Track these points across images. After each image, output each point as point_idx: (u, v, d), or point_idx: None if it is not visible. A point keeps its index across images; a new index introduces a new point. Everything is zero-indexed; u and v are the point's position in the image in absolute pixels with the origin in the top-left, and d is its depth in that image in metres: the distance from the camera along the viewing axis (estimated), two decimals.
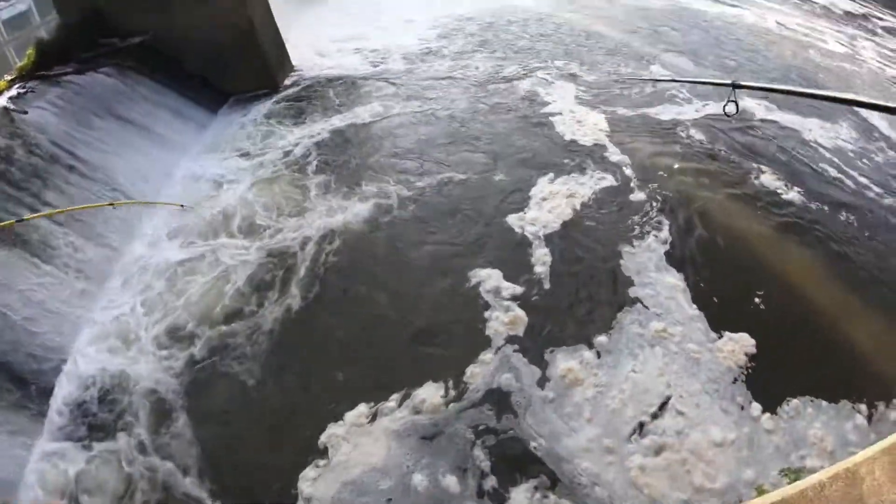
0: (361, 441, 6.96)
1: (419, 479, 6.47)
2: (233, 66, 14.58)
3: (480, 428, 7.09)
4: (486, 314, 8.41)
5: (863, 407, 7.52)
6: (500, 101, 15.34)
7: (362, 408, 7.35)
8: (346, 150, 12.76)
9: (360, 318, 8.58)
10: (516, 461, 6.80)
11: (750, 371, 7.78)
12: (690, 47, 23.24)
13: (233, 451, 7.14)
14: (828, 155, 15.24)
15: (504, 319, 8.26)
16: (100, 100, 11.27)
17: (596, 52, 20.02)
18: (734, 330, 8.34)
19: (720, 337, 8.22)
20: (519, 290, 8.87)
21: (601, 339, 8.11)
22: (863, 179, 14.43)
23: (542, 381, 7.65)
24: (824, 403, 7.44)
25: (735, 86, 11.73)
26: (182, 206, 10.23)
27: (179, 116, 12.66)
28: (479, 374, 7.72)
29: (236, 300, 8.90)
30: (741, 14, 34.33)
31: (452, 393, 7.52)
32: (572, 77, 17.23)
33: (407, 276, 9.17)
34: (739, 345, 8.09)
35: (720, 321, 8.51)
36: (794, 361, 8.16)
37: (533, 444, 6.90)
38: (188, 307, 8.74)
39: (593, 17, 25.90)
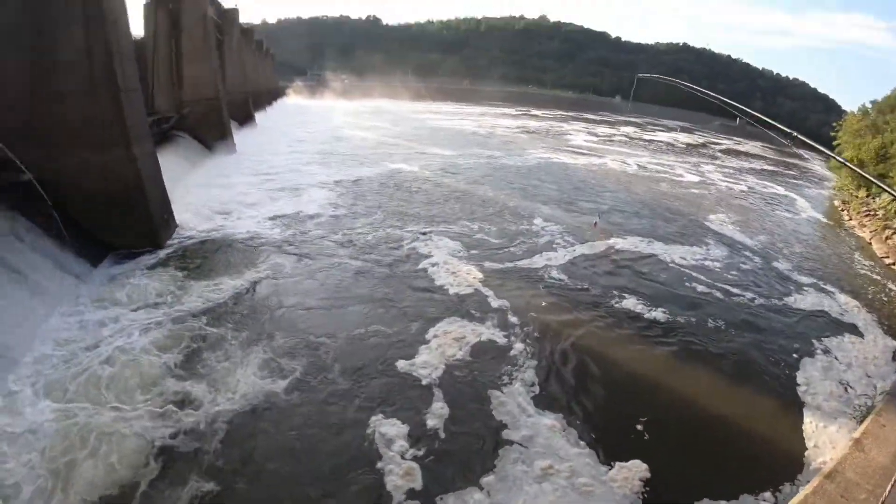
0: None
1: None
2: (117, 219, 14.17)
3: None
4: (385, 468, 7.90)
5: (766, 494, 7.85)
6: (386, 259, 16.04)
7: None
8: (229, 315, 11.89)
9: (259, 488, 7.72)
10: None
11: (648, 495, 7.81)
12: (563, 197, 25.99)
13: None
14: (693, 273, 17.09)
15: (400, 472, 7.83)
16: None
17: (479, 211, 22.05)
18: (624, 458, 8.44)
19: (611, 467, 8.25)
20: (411, 440, 8.46)
21: (488, 479, 7.86)
22: (729, 287, 16.28)
23: None
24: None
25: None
26: None
27: (58, 265, 11.90)
28: None
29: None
30: (603, 162, 39.28)
31: None
32: (458, 235, 18.67)
33: (305, 437, 8.45)
34: (632, 472, 8.17)
35: (608, 452, 8.58)
36: (689, 474, 8.41)
37: None
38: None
39: (473, 181, 28.53)
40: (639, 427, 9.28)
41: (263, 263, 14.83)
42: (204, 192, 21.23)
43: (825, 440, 9.37)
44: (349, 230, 18.29)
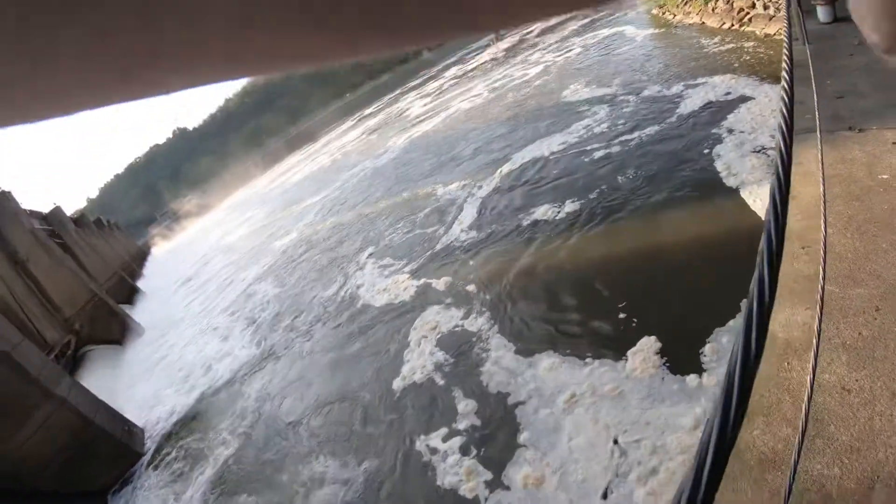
0: None
1: None
2: (87, 463, 13.62)
3: None
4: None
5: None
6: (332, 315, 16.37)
7: None
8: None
9: None
10: None
11: (671, 361, 7.89)
12: (440, 163, 26.60)
13: None
14: (581, 149, 18.07)
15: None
16: None
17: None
18: (632, 344, 8.52)
19: (625, 360, 8.34)
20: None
21: (523, 436, 8.06)
22: (617, 139, 17.17)
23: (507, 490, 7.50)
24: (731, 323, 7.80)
25: None
26: None
27: None
28: None
29: None
30: (451, 112, 39.69)
31: None
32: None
33: None
34: (645, 351, 8.28)
35: (613, 350, 8.68)
36: (694, 313, 8.46)
37: None
38: None
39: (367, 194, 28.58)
40: (622, 313, 9.44)
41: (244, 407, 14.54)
42: (144, 382, 20.64)
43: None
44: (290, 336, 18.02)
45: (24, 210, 30.87)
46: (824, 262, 3.50)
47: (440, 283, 14.36)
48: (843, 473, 3.31)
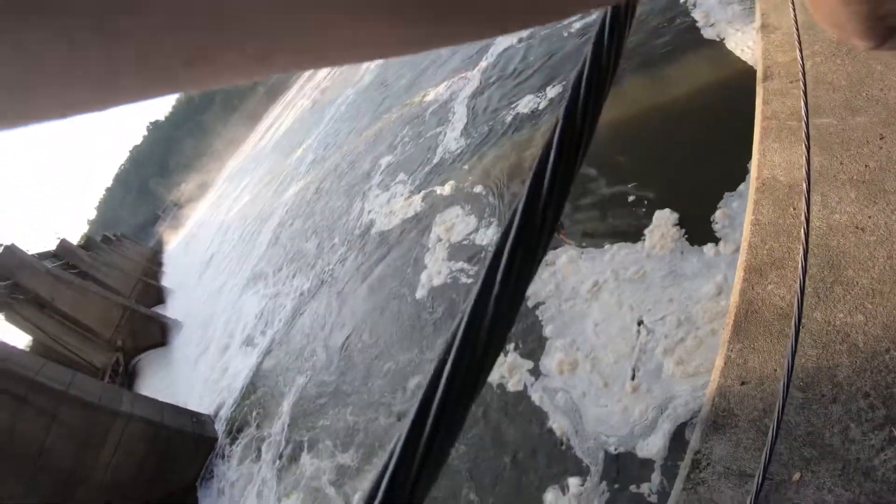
0: None
1: None
2: (171, 464, 14.55)
3: None
4: None
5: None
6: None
7: None
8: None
9: None
10: None
11: (689, 232, 7.74)
12: None
13: None
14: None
15: None
16: None
17: None
18: (647, 222, 8.38)
19: (642, 240, 8.23)
20: None
21: (550, 329, 8.36)
22: None
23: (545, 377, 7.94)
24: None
25: None
26: None
27: None
28: None
29: None
30: None
31: None
32: None
33: None
34: (662, 227, 8.10)
35: (628, 232, 8.59)
36: (702, 176, 8.27)
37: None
38: None
39: None
40: (632, 188, 9.23)
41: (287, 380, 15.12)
42: (196, 371, 21.42)
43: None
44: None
45: (33, 256, 31.28)
46: (805, 92, 3.37)
47: (446, 189, 14.62)
48: (867, 320, 3.16)
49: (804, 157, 2.84)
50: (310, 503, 10.83)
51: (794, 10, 4.47)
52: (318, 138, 37.44)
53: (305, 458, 11.80)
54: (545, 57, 15.87)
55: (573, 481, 6.44)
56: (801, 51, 3.70)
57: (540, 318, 8.68)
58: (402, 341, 11.67)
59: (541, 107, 13.94)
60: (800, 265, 2.37)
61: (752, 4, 10.28)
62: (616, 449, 6.32)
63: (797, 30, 4.03)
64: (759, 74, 5.28)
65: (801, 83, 3.24)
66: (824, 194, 3.82)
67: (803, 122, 2.92)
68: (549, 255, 9.52)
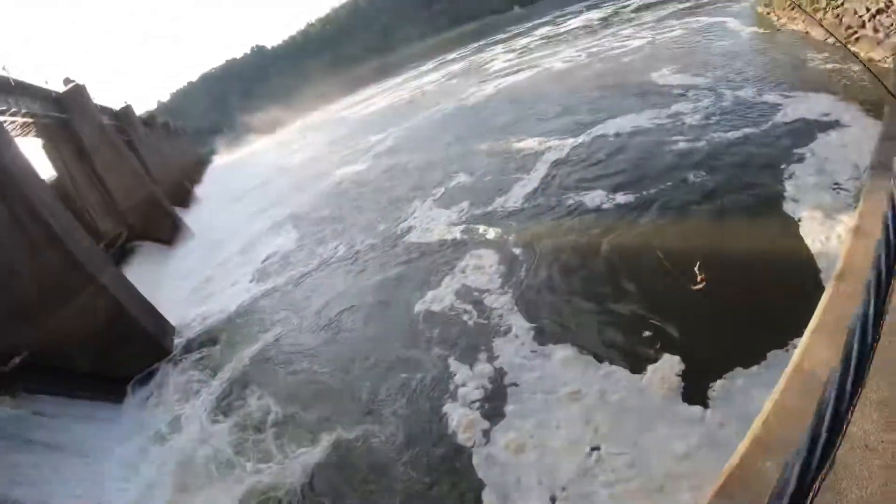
0: None
1: None
2: (118, 350, 14.66)
3: None
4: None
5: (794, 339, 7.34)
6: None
7: None
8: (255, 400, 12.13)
9: None
10: None
11: (688, 386, 7.67)
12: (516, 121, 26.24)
13: None
14: (662, 137, 17.34)
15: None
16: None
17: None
18: (654, 359, 8.32)
19: (644, 373, 8.15)
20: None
21: (516, 408, 8.47)
22: (699, 134, 16.25)
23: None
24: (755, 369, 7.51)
25: None
26: None
27: (84, 420, 12.36)
28: None
29: None
30: (537, 71, 38.87)
31: None
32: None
33: None
34: (665, 370, 8.03)
35: (634, 358, 8.53)
36: (721, 346, 8.13)
37: None
38: None
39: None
40: (653, 321, 9.17)
41: (268, 332, 15.22)
42: (185, 283, 21.60)
43: (831, 242, 9.49)
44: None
45: (96, 105, 31.92)
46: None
47: (490, 233, 14.95)
48: None
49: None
50: (237, 433, 10.91)
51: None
52: (404, 131, 38.15)
53: (252, 397, 12.01)
54: (636, 160, 16.01)
55: None
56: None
57: (512, 393, 8.82)
58: (390, 340, 11.92)
59: (604, 207, 14.05)
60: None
61: (848, 200, 10.31)
62: None
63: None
64: (837, 271, 5.30)
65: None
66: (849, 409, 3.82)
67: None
68: (548, 346, 9.62)
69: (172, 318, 17.42)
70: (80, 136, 28.73)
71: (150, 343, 15.36)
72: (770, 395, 4.29)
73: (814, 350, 4.41)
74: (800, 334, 5.32)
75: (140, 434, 12.32)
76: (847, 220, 9.58)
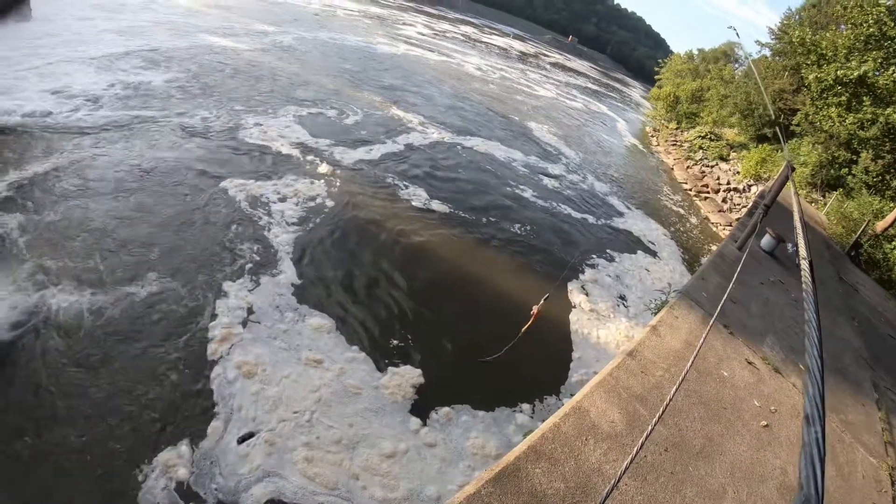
0: None
1: None
2: None
3: None
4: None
5: (525, 406, 8.31)
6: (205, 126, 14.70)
7: None
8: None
9: None
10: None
11: (418, 403, 7.71)
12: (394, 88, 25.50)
13: None
14: (511, 174, 18.17)
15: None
16: None
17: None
18: (397, 365, 8.30)
19: (385, 373, 8.03)
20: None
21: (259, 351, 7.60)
22: (542, 193, 17.37)
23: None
24: (482, 413, 7.87)
25: None
26: None
27: None
28: None
29: None
30: (441, 59, 38.72)
31: None
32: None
33: None
34: (407, 377, 8.04)
35: (382, 357, 8.36)
36: (470, 381, 8.41)
37: None
38: None
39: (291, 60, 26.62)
40: (418, 333, 9.15)
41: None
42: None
43: (619, 331, 10.72)
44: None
45: None
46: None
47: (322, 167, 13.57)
48: None
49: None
50: None
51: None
52: (304, 33, 34.60)
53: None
54: (472, 179, 16.33)
55: None
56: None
57: (255, 332, 8.06)
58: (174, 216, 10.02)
59: (429, 206, 13.92)
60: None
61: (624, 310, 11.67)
62: None
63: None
64: (629, 349, 5.74)
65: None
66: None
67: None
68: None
69: None
70: None
71: None
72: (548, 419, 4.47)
73: (593, 398, 4.68)
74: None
75: None
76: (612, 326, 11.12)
